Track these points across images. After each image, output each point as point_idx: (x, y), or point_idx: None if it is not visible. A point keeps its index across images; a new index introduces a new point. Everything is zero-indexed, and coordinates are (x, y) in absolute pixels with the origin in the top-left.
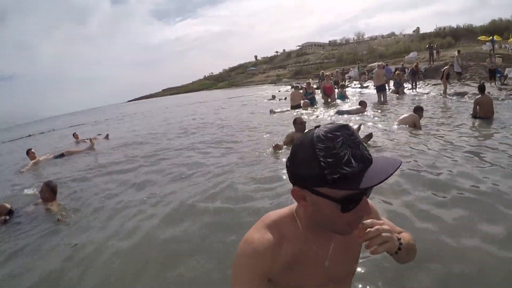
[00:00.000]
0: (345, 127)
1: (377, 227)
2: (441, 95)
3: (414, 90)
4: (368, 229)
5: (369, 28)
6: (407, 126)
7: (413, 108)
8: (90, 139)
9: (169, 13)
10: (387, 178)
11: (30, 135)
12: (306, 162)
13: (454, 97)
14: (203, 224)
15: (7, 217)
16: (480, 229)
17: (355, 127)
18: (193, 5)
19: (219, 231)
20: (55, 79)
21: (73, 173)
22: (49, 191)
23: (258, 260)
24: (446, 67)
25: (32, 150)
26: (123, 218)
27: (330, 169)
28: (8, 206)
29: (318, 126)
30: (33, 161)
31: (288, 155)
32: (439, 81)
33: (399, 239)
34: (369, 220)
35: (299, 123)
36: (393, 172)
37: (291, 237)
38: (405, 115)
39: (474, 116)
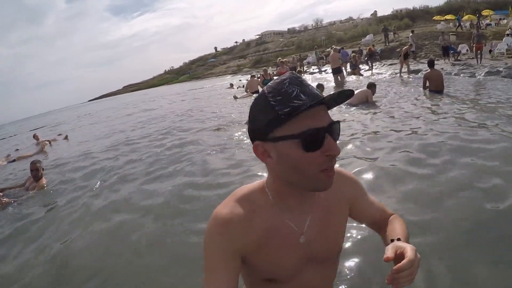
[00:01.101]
0: (293, 73)
1: (410, 270)
2: (396, 74)
3: (371, 71)
4: (401, 274)
5: (327, 14)
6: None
7: (366, 84)
8: (49, 141)
9: (126, 8)
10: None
11: None
12: (260, 111)
13: (410, 75)
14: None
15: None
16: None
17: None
18: None
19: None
20: (12, 83)
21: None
22: (36, 171)
23: (228, 236)
24: (405, 47)
25: None
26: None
27: (281, 105)
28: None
29: None
30: None
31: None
32: (395, 61)
33: (398, 239)
34: (405, 261)
35: None
36: (347, 98)
37: (263, 210)
38: (358, 90)
39: (424, 89)
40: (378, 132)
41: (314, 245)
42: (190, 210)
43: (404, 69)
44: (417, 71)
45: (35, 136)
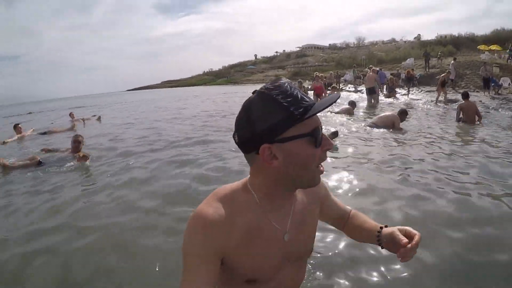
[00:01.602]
0: (281, 79)
1: (416, 244)
2: (432, 101)
3: (407, 96)
4: (412, 247)
5: (370, 33)
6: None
7: (398, 110)
8: (83, 119)
9: (172, 7)
10: (335, 102)
11: (29, 113)
12: (268, 111)
13: (446, 104)
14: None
15: (42, 161)
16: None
17: (332, 130)
18: (196, 1)
19: None
20: (57, 64)
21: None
22: (78, 143)
23: (210, 236)
24: (443, 74)
25: (20, 125)
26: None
27: (294, 105)
28: (38, 157)
29: (254, 91)
30: (18, 135)
31: (235, 124)
32: (433, 88)
33: (386, 226)
34: (417, 237)
35: None
36: (337, 99)
37: (246, 210)
38: (386, 113)
39: (458, 120)
40: (384, 161)
41: (294, 244)
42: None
43: (441, 97)
44: (454, 101)
45: (71, 114)
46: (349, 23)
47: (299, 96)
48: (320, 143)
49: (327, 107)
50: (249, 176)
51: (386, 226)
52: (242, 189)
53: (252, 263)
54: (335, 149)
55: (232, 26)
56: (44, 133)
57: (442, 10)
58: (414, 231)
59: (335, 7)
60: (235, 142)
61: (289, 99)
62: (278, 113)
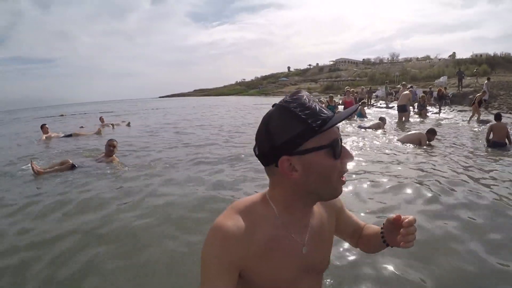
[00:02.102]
0: (300, 91)
1: (414, 228)
2: (464, 121)
3: (438, 115)
4: (411, 228)
5: (404, 49)
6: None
7: (427, 129)
8: (112, 124)
9: (206, 16)
10: (354, 112)
11: (62, 115)
12: (287, 124)
13: (479, 124)
14: None
15: (75, 165)
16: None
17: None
18: (230, 11)
19: None
20: (90, 68)
21: (77, 149)
22: (113, 147)
23: (229, 249)
24: (479, 94)
25: (46, 126)
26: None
27: (312, 118)
28: (70, 161)
29: (274, 104)
30: (45, 135)
31: (256, 137)
32: (466, 108)
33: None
34: (411, 217)
35: None
36: (355, 110)
37: (265, 222)
38: (413, 132)
39: (487, 140)
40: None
41: (312, 257)
42: None
43: (474, 117)
44: (486, 122)
45: (101, 119)
46: (383, 38)
47: (317, 108)
48: (340, 155)
49: (344, 119)
50: (268, 188)
51: None
52: (261, 201)
53: (271, 275)
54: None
55: (265, 37)
56: (70, 135)
57: (478, 28)
58: (408, 215)
59: (370, 22)
60: (255, 154)
61: (307, 112)
62: (297, 125)
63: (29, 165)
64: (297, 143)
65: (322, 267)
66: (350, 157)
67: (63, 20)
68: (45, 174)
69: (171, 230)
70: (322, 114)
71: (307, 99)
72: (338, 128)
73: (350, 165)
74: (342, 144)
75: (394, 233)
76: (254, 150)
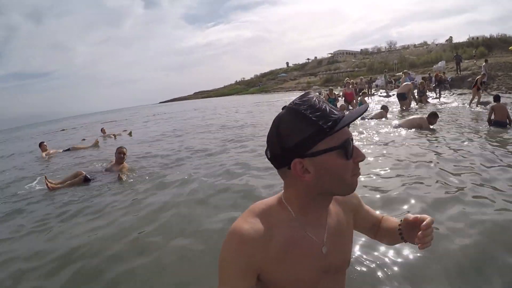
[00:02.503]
0: (309, 93)
1: (431, 229)
2: (463, 104)
3: (438, 100)
4: (428, 230)
5: (401, 36)
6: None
7: (429, 113)
8: (114, 135)
9: (200, 18)
10: (364, 112)
11: (63, 130)
12: (297, 126)
13: (478, 106)
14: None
15: (88, 177)
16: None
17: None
18: (224, 10)
19: None
20: (89, 78)
21: (73, 164)
22: (123, 154)
23: (247, 252)
24: (479, 76)
25: (45, 143)
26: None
27: (323, 119)
28: (83, 172)
29: (284, 107)
30: (44, 152)
31: (267, 141)
32: (465, 91)
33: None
34: (428, 219)
35: None
36: (365, 110)
37: (283, 224)
38: (413, 116)
39: (489, 121)
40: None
41: (332, 256)
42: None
43: (475, 100)
44: (486, 103)
45: (102, 130)
46: (379, 28)
47: (328, 109)
48: (352, 154)
49: (355, 119)
50: (283, 191)
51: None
52: (277, 203)
53: (291, 278)
54: None
55: (261, 34)
56: (68, 150)
57: (472, 12)
58: (426, 216)
59: (365, 12)
60: (267, 158)
61: (317, 113)
62: (307, 127)
63: (34, 183)
64: (308, 145)
65: (343, 266)
66: (362, 156)
67: (57, 31)
68: (59, 190)
69: (189, 241)
70: (333, 115)
71: (316, 101)
72: (349, 127)
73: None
74: (354, 144)
75: (412, 231)
76: (266, 153)
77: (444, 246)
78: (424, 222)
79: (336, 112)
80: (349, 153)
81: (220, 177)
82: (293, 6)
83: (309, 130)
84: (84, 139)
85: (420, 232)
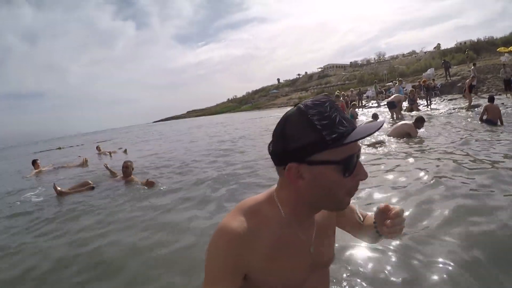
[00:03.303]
0: (327, 96)
1: (401, 219)
2: (454, 109)
3: (429, 107)
4: (398, 219)
5: (389, 47)
6: (398, 137)
7: (415, 118)
8: (110, 152)
9: (191, 37)
10: (377, 130)
11: (59, 148)
12: (301, 131)
13: (469, 110)
14: None
15: (93, 185)
16: None
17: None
18: (214, 30)
19: None
20: (83, 98)
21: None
22: (126, 168)
23: (235, 250)
24: (468, 80)
25: (38, 161)
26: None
27: (328, 130)
28: (91, 182)
29: (298, 103)
30: (36, 170)
31: (272, 135)
32: (455, 96)
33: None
34: (397, 208)
35: None
36: (379, 128)
37: (272, 223)
38: (400, 123)
39: (481, 119)
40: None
41: (320, 254)
42: None
43: (466, 104)
44: (476, 106)
45: (97, 148)
46: (368, 39)
47: (337, 119)
48: (351, 172)
49: (365, 137)
50: (276, 186)
51: None
52: (267, 201)
53: (279, 277)
54: None
55: (251, 52)
56: (59, 168)
57: (458, 17)
58: (397, 206)
59: (353, 25)
60: (269, 152)
61: (324, 122)
62: (310, 134)
63: (30, 196)
64: (308, 152)
65: (328, 262)
66: (363, 175)
67: (51, 52)
68: (67, 195)
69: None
70: (340, 128)
71: (328, 107)
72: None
73: None
74: (359, 160)
75: (381, 220)
76: (269, 147)
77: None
78: (394, 211)
79: (345, 124)
80: (349, 171)
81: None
82: (282, 21)
83: (311, 137)
84: (79, 156)
85: (388, 220)
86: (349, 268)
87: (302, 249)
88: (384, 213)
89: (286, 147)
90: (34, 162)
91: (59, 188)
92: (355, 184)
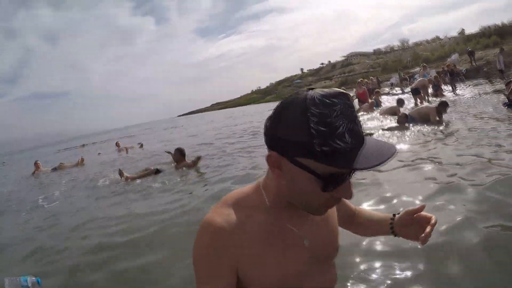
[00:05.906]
0: (345, 95)
1: (433, 226)
2: (479, 94)
3: (454, 93)
4: (430, 229)
5: (413, 33)
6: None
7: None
8: (126, 148)
9: (211, 30)
10: (381, 164)
11: (83, 145)
12: (293, 125)
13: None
14: None
15: (159, 170)
16: None
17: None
18: (234, 22)
19: None
20: (106, 95)
21: (60, 181)
22: (179, 154)
23: (223, 248)
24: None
25: (38, 162)
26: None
27: (320, 139)
28: (152, 167)
29: (313, 88)
30: (36, 170)
31: (270, 114)
32: (481, 81)
33: (398, 213)
34: (434, 217)
35: None
36: (388, 160)
37: (258, 215)
38: (423, 105)
39: (507, 99)
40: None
41: (317, 246)
42: None
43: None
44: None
45: (117, 144)
46: (390, 26)
47: (339, 130)
48: (332, 190)
49: (362, 169)
50: (264, 176)
51: (399, 213)
52: (254, 192)
53: (274, 272)
54: None
55: (274, 42)
56: (54, 169)
57: (483, 1)
58: (429, 214)
59: (374, 12)
60: (265, 127)
61: (321, 128)
62: (301, 134)
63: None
64: (291, 150)
65: (331, 255)
66: (348, 196)
67: (72, 52)
68: (134, 180)
69: None
70: (338, 142)
71: (336, 112)
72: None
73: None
74: (349, 180)
75: (405, 227)
76: (266, 123)
77: None
78: (434, 220)
79: (347, 140)
80: (328, 187)
81: None
82: (301, 12)
83: (300, 138)
84: (99, 153)
85: (428, 228)
86: (358, 262)
87: (294, 242)
88: (413, 216)
89: (274, 134)
90: (35, 163)
91: (126, 174)
92: (335, 200)
